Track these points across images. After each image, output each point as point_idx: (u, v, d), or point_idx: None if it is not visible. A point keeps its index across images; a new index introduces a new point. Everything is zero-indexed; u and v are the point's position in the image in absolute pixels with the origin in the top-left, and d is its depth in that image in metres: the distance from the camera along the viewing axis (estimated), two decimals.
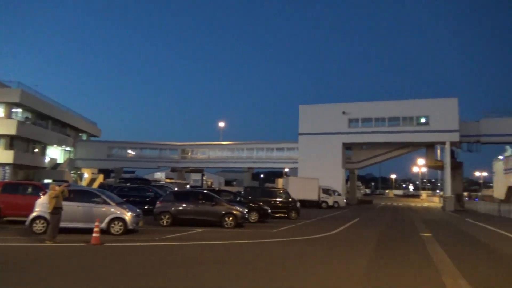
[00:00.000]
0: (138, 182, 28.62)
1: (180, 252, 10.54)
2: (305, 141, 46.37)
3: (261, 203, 20.19)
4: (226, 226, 15.90)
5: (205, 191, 18.43)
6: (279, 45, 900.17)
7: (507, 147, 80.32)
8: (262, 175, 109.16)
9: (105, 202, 12.88)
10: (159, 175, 68.60)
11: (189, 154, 66.46)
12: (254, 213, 19.05)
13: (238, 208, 16.62)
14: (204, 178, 52.21)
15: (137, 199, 20.45)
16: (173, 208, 16.19)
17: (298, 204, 23.53)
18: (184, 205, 16.40)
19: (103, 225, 12.27)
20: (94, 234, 10.68)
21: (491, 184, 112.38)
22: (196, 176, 58.44)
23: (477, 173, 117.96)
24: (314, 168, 42.11)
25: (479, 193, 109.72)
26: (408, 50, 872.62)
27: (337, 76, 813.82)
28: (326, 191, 37.36)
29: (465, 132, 40.73)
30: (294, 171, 48.99)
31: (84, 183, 48.22)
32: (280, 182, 49.91)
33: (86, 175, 52.68)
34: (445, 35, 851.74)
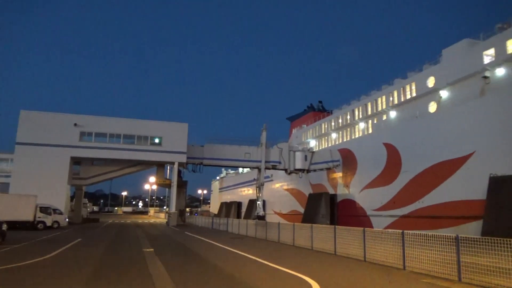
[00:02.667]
0: None
1: None
2: (24, 152, 39.54)
3: None
4: None
5: None
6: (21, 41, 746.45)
7: (223, 169, 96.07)
8: None
9: None
10: None
11: None
12: None
13: None
14: None
15: None
16: None
17: (4, 227, 19.50)
18: None
19: None
20: None
21: (209, 201, 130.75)
22: None
23: (199, 191, 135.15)
24: (33, 184, 36.51)
25: (199, 209, 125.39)
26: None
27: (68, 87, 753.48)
28: (45, 210, 32.80)
29: (192, 155, 45.40)
30: (5, 187, 40.85)
31: None
32: None
33: None
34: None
